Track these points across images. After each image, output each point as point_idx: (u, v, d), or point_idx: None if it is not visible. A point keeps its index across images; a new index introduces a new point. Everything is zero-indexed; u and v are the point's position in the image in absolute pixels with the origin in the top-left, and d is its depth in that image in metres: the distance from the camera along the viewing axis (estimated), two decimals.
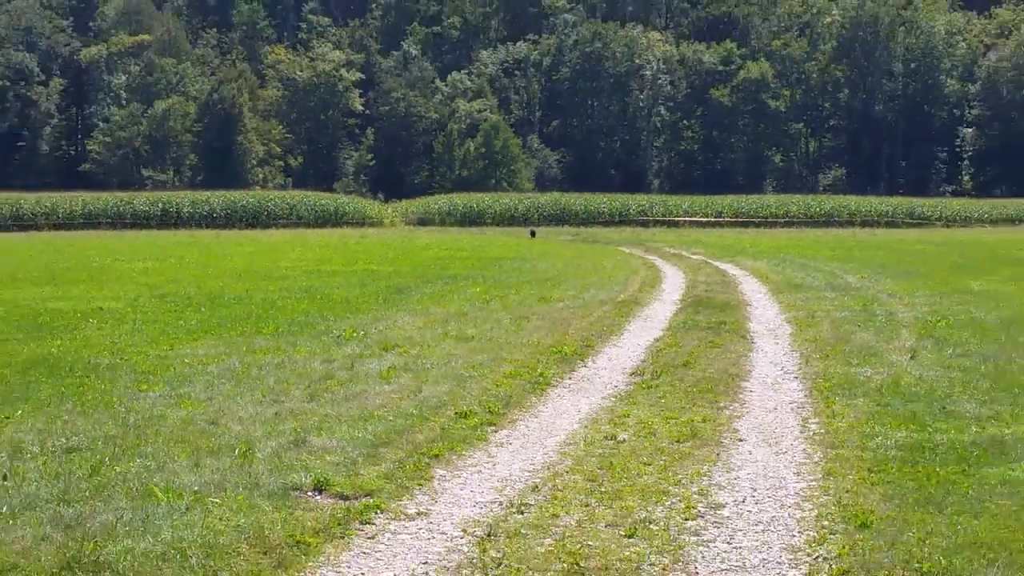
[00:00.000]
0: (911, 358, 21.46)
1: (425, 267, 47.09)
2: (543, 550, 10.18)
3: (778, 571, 9.73)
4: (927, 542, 10.22)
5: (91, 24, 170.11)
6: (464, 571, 9.65)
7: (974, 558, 9.74)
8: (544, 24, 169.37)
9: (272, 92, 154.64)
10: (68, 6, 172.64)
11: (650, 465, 13.33)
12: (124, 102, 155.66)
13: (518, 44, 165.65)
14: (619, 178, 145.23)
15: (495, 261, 52.42)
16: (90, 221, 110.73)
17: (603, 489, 12.25)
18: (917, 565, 9.62)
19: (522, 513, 11.38)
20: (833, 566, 9.73)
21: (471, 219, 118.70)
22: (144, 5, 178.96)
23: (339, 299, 32.54)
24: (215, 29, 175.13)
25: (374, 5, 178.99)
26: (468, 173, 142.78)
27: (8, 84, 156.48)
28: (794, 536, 10.67)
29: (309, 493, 11.81)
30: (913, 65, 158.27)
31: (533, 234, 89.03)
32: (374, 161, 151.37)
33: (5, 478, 12.14)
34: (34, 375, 18.70)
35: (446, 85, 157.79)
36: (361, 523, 10.89)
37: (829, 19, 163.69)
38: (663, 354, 22.68)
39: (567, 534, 10.66)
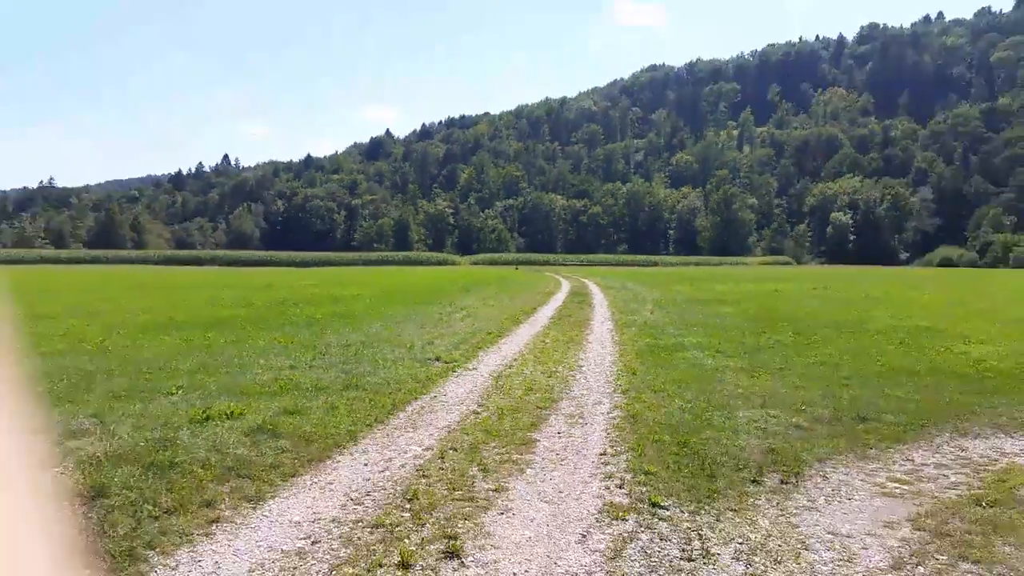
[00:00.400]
0: (651, 313, 21.39)
1: (475, 281, 46.95)
2: (518, 381, 10.22)
3: (604, 390, 9.72)
4: (656, 379, 10.25)
5: (356, 190, 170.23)
6: (489, 389, 9.71)
7: (675, 384, 9.77)
8: (518, 191, 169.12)
9: (421, 216, 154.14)
10: (346, 184, 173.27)
11: (557, 352, 13.28)
12: (366, 219, 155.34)
13: (509, 200, 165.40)
14: (547, 249, 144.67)
15: (502, 279, 52.28)
16: (353, 263, 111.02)
17: (540, 360, 12.24)
18: (652, 386, 9.65)
19: (511, 368, 11.40)
20: (623, 387, 9.78)
21: (495, 262, 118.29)
22: (371, 184, 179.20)
23: (443, 292, 32.47)
24: (400, 194, 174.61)
25: (457, 185, 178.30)
26: (493, 246, 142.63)
27: (326, 214, 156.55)
28: (608, 378, 10.65)
29: (434, 361, 11.82)
30: (649, 211, 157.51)
31: (517, 268, 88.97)
32: (458, 241, 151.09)
33: (322, 354, 12.17)
34: (335, 319, 18.64)
35: (484, 215, 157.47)
36: (452, 372, 10.91)
37: (621, 190, 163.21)
38: (561, 311, 22.54)
39: (527, 376, 10.69)
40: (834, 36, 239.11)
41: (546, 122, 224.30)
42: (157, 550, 4.43)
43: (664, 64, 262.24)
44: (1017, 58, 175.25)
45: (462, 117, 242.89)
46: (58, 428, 6.94)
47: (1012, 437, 7.50)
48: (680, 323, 18.45)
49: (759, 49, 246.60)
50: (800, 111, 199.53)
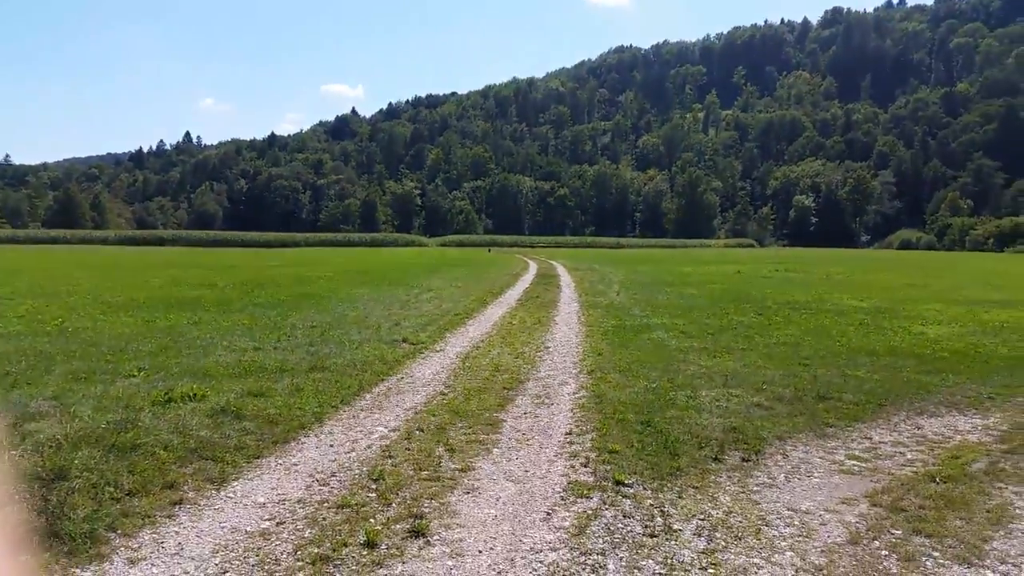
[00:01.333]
0: (617, 295, 21.51)
1: (443, 262, 46.84)
2: (485, 363, 10.22)
3: (570, 371, 9.78)
4: (622, 359, 10.33)
5: (321, 170, 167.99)
6: (456, 370, 9.69)
7: (639, 364, 9.85)
8: (486, 172, 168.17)
9: (387, 198, 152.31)
10: (311, 164, 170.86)
11: (524, 333, 13.30)
12: (332, 199, 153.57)
13: (476, 181, 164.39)
14: (515, 230, 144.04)
15: (470, 260, 52.27)
16: (320, 244, 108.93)
17: (507, 341, 12.25)
18: (618, 367, 9.72)
19: (478, 349, 11.39)
20: (589, 367, 9.82)
21: (462, 244, 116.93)
22: (337, 164, 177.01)
23: (411, 272, 32.33)
24: (367, 174, 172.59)
25: (424, 165, 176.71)
26: (461, 227, 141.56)
27: (290, 194, 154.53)
28: (575, 358, 10.70)
29: (401, 342, 11.75)
30: (616, 193, 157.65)
31: (489, 250, 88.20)
32: (426, 222, 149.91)
33: (287, 336, 12.07)
34: (300, 300, 18.47)
35: (452, 196, 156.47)
36: (420, 354, 10.88)
37: (589, 172, 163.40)
38: (529, 293, 22.55)
39: (494, 357, 10.70)
40: (799, 20, 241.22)
41: (514, 103, 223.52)
42: (119, 532, 4.38)
43: (631, 46, 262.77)
44: (975, 44, 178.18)
45: (429, 96, 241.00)
46: (16, 410, 6.80)
47: (965, 415, 7.70)
48: (645, 304, 18.56)
49: (724, 32, 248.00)
50: (764, 94, 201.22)
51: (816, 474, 5.73)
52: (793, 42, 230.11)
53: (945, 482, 5.51)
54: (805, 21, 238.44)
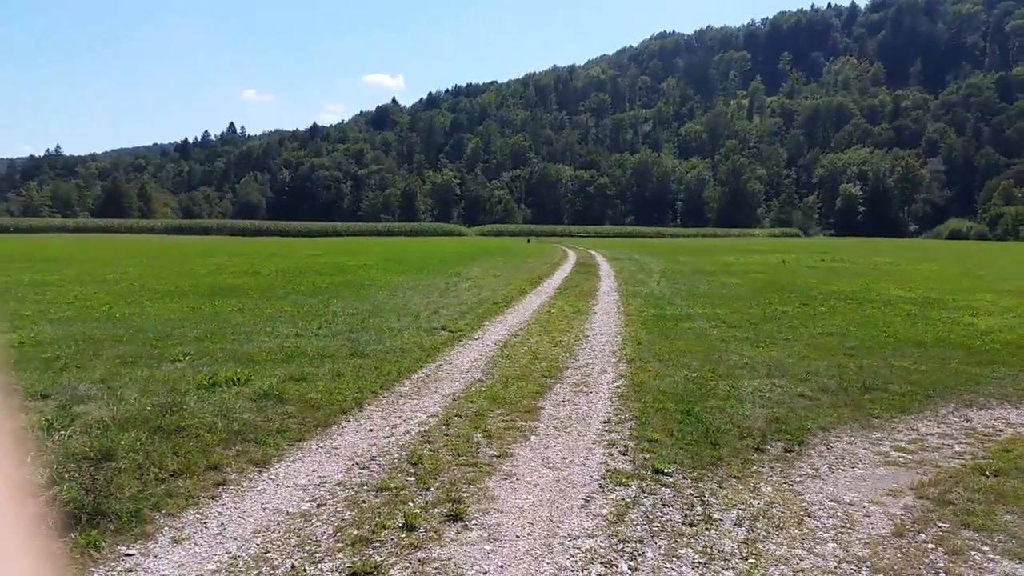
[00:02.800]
0: (657, 284, 21.34)
1: (481, 251, 46.86)
2: (523, 351, 10.22)
3: (609, 359, 9.74)
4: (662, 348, 10.25)
5: (362, 160, 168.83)
6: (494, 357, 9.71)
7: (680, 354, 9.77)
8: (525, 161, 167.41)
9: (427, 187, 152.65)
10: (352, 154, 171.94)
11: (563, 322, 13.27)
12: (372, 189, 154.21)
13: (516, 170, 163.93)
14: (554, 220, 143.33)
15: (509, 249, 52.20)
16: (359, 233, 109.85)
17: (546, 330, 12.23)
18: (658, 356, 9.65)
19: (516, 337, 11.40)
20: (628, 356, 9.76)
21: (501, 233, 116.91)
22: (377, 154, 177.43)
23: (450, 261, 32.45)
24: (406, 164, 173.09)
25: (464, 155, 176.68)
26: (500, 217, 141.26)
27: (332, 184, 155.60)
28: (615, 347, 10.65)
29: (439, 330, 11.80)
30: (657, 181, 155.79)
31: (529, 240, 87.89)
32: (465, 212, 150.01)
33: (328, 323, 12.19)
34: (340, 288, 18.66)
35: (491, 186, 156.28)
36: (458, 341, 10.92)
37: (629, 160, 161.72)
38: (568, 282, 22.50)
39: (532, 345, 10.70)
40: (846, 3, 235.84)
41: (554, 91, 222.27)
42: (163, 511, 4.47)
43: (674, 31, 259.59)
44: None
45: (469, 86, 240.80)
46: (66, 393, 6.99)
47: (1017, 408, 7.49)
48: (686, 294, 18.40)
49: (770, 17, 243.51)
50: (811, 80, 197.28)
51: (860, 465, 5.62)
52: (840, 27, 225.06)
53: (995, 475, 5.37)
54: (853, 5, 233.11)
